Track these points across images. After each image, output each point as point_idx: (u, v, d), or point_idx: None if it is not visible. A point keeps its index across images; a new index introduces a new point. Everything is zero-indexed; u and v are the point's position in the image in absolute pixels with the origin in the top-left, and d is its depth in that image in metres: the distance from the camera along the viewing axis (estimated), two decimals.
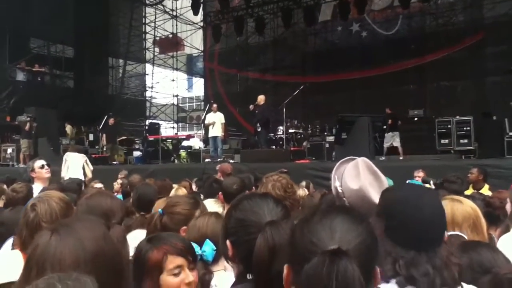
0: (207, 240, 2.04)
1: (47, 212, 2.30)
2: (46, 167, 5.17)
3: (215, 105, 12.89)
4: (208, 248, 2.03)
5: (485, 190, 6.18)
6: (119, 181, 7.35)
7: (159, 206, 2.75)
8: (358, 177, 1.85)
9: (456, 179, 5.04)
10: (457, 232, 2.15)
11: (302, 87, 12.29)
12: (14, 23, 17.41)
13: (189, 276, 1.67)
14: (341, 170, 1.92)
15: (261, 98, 11.92)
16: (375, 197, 1.77)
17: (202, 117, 13.43)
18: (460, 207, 2.24)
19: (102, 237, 1.20)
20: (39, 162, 5.20)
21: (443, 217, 1.43)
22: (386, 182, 1.90)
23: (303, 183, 6.29)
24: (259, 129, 11.98)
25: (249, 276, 1.32)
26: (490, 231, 2.86)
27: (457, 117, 10.57)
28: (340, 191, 1.88)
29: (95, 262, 1.12)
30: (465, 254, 1.70)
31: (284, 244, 1.14)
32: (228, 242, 1.35)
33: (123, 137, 16.14)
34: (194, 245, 2.05)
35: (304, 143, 13.15)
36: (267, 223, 1.28)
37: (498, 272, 1.60)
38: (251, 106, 11.92)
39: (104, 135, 14.63)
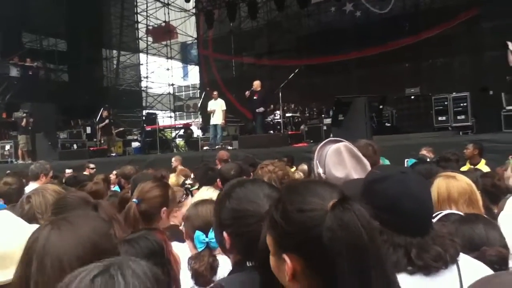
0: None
1: (42, 204, 2.34)
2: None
3: (215, 92, 12.85)
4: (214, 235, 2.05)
5: (482, 165, 6.20)
6: (114, 172, 7.34)
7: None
8: (342, 164, 1.85)
9: (452, 155, 5.04)
10: (454, 211, 2.15)
11: (297, 70, 12.22)
12: (5, 18, 17.24)
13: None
14: (323, 155, 1.90)
15: (257, 84, 11.83)
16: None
17: (199, 105, 13.39)
18: (455, 184, 2.25)
19: (102, 233, 1.20)
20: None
21: (430, 195, 1.44)
22: (369, 165, 1.89)
23: (304, 167, 6.27)
24: (258, 114, 11.90)
25: (248, 264, 1.31)
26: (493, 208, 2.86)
27: (454, 93, 10.54)
28: (323, 178, 1.86)
29: (94, 259, 1.13)
30: (459, 229, 1.70)
31: None
32: (225, 234, 1.32)
33: (120, 129, 16.10)
34: (200, 233, 2.07)
35: (302, 127, 13.14)
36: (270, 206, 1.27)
37: (484, 251, 1.60)
38: (247, 93, 11.82)
39: (98, 126, 14.59)
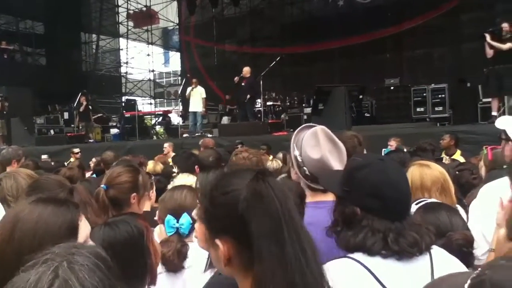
0: (185, 214, 2.05)
1: (13, 186, 2.33)
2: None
3: (194, 80, 12.73)
4: (185, 221, 2.04)
5: (457, 156, 6.31)
6: (93, 159, 7.26)
7: None
8: (318, 146, 1.86)
9: (428, 145, 5.11)
10: (426, 199, 2.17)
11: (278, 58, 12.17)
12: None
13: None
14: (300, 138, 1.91)
15: (247, 70, 11.71)
16: (335, 165, 1.82)
17: (179, 92, 13.27)
18: (428, 172, 2.28)
19: (58, 214, 1.19)
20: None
21: (408, 182, 1.49)
22: (344, 150, 1.91)
23: (280, 155, 6.31)
24: (245, 101, 11.80)
25: None
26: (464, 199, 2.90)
27: (432, 85, 10.66)
28: (300, 160, 1.87)
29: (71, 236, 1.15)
30: (423, 217, 1.73)
31: None
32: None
33: (99, 115, 15.85)
34: (171, 217, 2.05)
35: (282, 115, 13.15)
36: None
37: (451, 236, 1.64)
38: (236, 78, 11.71)
39: (75, 113, 14.36)
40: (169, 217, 2.07)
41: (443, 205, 1.89)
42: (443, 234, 1.64)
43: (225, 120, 14.72)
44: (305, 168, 1.85)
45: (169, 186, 3.27)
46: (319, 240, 1.10)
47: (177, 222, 2.05)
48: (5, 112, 13.80)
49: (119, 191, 2.36)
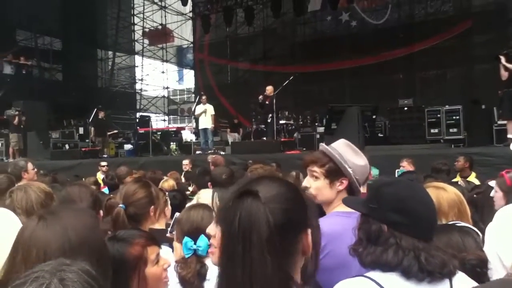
0: (202, 236, 2.06)
1: (23, 199, 2.34)
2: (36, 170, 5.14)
3: (204, 97, 12.83)
4: (203, 243, 2.06)
5: (472, 178, 6.24)
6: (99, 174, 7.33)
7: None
8: (358, 154, 1.93)
9: (443, 165, 5.09)
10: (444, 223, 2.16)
11: (291, 77, 12.23)
12: None
13: (165, 260, 1.71)
14: (338, 152, 1.93)
15: (270, 89, 11.70)
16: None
17: (193, 109, 13.38)
18: (445, 195, 2.24)
19: (88, 227, 1.21)
20: (30, 165, 5.14)
21: (434, 202, 1.49)
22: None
23: (293, 173, 6.30)
24: (269, 120, 11.82)
25: None
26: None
27: (447, 106, 10.62)
28: (351, 171, 1.89)
29: (80, 251, 1.13)
30: (436, 237, 1.73)
31: None
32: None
33: (114, 131, 15.99)
34: (188, 239, 2.07)
35: (295, 134, 13.15)
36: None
37: (464, 257, 1.63)
38: (260, 97, 11.76)
39: (93, 128, 14.51)
40: (186, 239, 2.09)
41: (455, 226, 1.88)
42: (455, 255, 1.64)
43: (233, 136, 14.90)
44: (357, 177, 1.89)
45: (194, 202, 3.30)
46: None
47: (195, 243, 2.07)
48: (22, 126, 13.99)
49: (138, 208, 2.39)
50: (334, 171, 1.89)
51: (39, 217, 1.20)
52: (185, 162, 9.29)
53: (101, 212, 2.54)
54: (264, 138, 12.24)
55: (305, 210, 1.09)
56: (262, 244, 0.98)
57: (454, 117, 10.28)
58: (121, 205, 2.38)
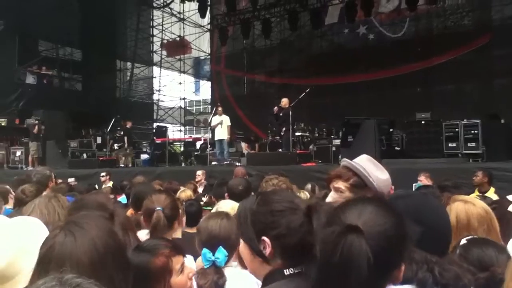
0: (221, 248, 2.11)
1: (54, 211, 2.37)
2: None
3: (220, 108, 12.90)
4: (221, 255, 2.10)
5: (491, 193, 6.13)
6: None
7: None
8: (380, 169, 1.95)
9: (445, 181, 5.05)
10: (474, 236, 2.14)
11: (308, 89, 12.25)
12: (22, 26, 17.57)
13: (190, 268, 1.75)
14: (362, 167, 1.94)
15: (286, 101, 11.73)
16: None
17: (209, 120, 13.46)
18: (474, 210, 2.18)
19: (110, 235, 1.24)
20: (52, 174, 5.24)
21: (448, 215, 1.50)
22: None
23: (308, 186, 6.29)
24: (282, 133, 11.86)
25: (287, 272, 1.31)
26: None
27: (465, 120, 10.50)
28: (376, 185, 1.91)
29: (106, 260, 1.17)
30: (469, 249, 1.71)
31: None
32: (266, 239, 1.31)
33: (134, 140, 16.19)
34: (206, 251, 2.10)
35: (311, 146, 13.13)
36: (313, 204, 1.30)
37: (495, 270, 1.60)
38: (275, 108, 11.78)
39: (126, 138, 14.85)
40: (205, 251, 2.12)
41: (491, 241, 1.85)
42: (486, 268, 1.62)
43: (243, 146, 14.99)
44: (382, 191, 1.91)
45: (213, 211, 3.33)
46: None
47: (213, 255, 2.10)
48: (41, 135, 14.25)
49: (171, 212, 2.47)
50: (359, 185, 1.90)
51: (65, 229, 1.21)
52: (199, 173, 9.20)
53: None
54: (280, 150, 12.24)
55: (405, 245, 1.09)
56: (361, 282, 0.98)
57: (472, 131, 10.15)
58: (158, 208, 2.43)
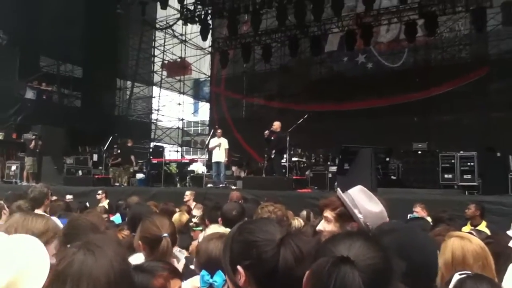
0: (219, 272, 2.09)
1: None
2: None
3: (219, 130, 12.93)
4: (219, 279, 2.10)
5: (482, 227, 6.12)
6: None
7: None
8: (373, 201, 1.95)
9: (442, 212, 5.05)
10: (469, 272, 2.13)
11: (306, 115, 12.32)
12: (24, 41, 17.72)
13: None
14: (350, 198, 1.97)
15: (277, 125, 11.76)
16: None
17: (207, 142, 13.49)
18: (470, 247, 2.20)
19: (124, 258, 1.29)
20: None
21: (436, 250, 1.52)
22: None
23: (303, 213, 6.26)
24: (272, 156, 11.86)
25: None
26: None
27: (461, 152, 10.55)
28: (361, 217, 1.92)
29: (120, 281, 1.21)
30: (464, 284, 1.70)
31: (311, 251, 1.20)
32: (240, 268, 1.31)
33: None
34: (205, 273, 2.10)
35: (307, 172, 13.13)
36: (287, 235, 1.29)
37: None
38: (266, 132, 11.79)
39: (133, 157, 15.18)
40: (203, 273, 2.12)
41: (487, 278, 1.84)
42: None
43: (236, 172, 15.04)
44: (368, 223, 1.90)
45: (200, 236, 3.31)
46: None
47: (211, 277, 2.10)
48: (37, 150, 14.22)
49: (173, 237, 2.47)
50: (345, 216, 1.93)
51: (84, 248, 1.24)
52: (187, 193, 9.21)
53: None
54: (275, 174, 12.25)
55: (392, 280, 1.12)
56: None
57: (468, 163, 10.18)
58: (165, 234, 2.42)
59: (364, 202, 1.94)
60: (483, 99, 15.79)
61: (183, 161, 16.97)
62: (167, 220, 2.61)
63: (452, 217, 5.53)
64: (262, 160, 15.35)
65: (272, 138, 11.64)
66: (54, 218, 3.57)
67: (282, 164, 12.65)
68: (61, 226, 3.12)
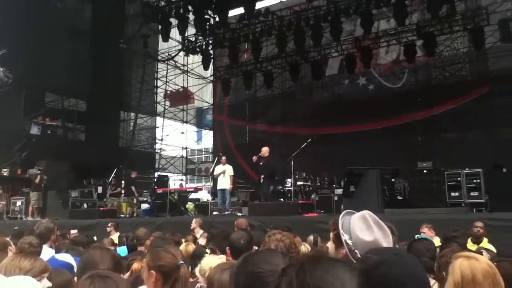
0: None
1: None
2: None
3: (224, 158, 12.96)
4: None
5: (485, 244, 6.04)
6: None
7: None
8: (369, 230, 1.93)
9: (453, 232, 4.98)
10: None
11: (309, 139, 12.33)
12: (30, 78, 17.97)
13: None
14: (346, 223, 1.99)
15: (265, 150, 11.93)
16: None
17: (211, 169, 13.48)
18: (478, 266, 2.17)
19: None
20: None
21: (427, 276, 1.55)
22: (390, 233, 1.98)
23: (311, 238, 6.17)
24: (261, 181, 11.94)
25: None
26: None
27: (467, 169, 10.48)
28: (350, 243, 1.92)
29: None
30: None
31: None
32: None
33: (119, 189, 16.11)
34: None
35: (313, 196, 13.04)
36: (289, 265, 1.27)
37: None
38: (254, 158, 11.93)
39: (134, 188, 15.30)
40: None
41: None
42: None
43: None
44: (356, 251, 1.90)
45: (196, 269, 3.25)
46: None
47: None
48: (43, 185, 14.26)
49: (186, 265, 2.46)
50: (339, 238, 2.00)
51: (99, 280, 1.26)
52: (194, 221, 9.20)
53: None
54: (281, 200, 12.20)
55: None
56: None
57: (474, 181, 10.10)
58: (181, 262, 2.37)
59: (358, 229, 1.94)
60: (486, 116, 15.76)
61: (187, 189, 16.89)
62: (178, 250, 2.59)
63: (463, 236, 5.46)
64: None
65: (261, 163, 11.76)
66: (65, 255, 3.59)
67: (287, 188, 12.64)
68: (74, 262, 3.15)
